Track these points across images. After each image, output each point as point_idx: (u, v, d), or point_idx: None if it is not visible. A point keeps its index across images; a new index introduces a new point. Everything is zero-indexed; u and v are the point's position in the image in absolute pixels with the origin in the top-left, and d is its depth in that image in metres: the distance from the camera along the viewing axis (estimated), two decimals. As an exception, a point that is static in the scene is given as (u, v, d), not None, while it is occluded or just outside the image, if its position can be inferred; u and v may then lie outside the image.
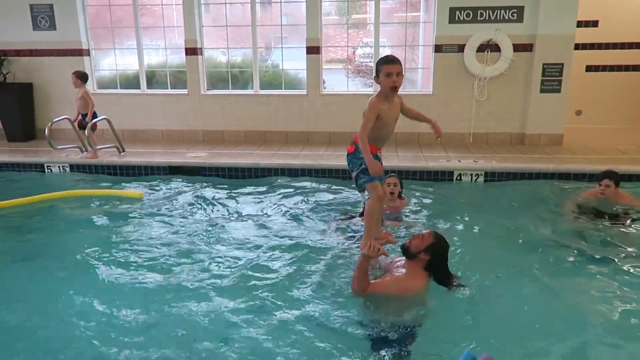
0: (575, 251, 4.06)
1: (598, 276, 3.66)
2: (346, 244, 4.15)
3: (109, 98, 8.19)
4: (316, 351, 2.81)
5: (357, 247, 3.93)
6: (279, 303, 3.29)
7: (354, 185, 3.93)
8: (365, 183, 3.70)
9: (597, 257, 3.92)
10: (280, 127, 8.07)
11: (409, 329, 2.90)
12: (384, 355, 2.71)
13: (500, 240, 4.37)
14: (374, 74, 3.65)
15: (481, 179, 6.16)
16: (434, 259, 3.16)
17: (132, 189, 6.00)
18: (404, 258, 3.30)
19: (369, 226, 3.78)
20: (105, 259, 4.04)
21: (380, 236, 3.79)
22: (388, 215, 4.66)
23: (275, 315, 3.16)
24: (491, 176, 6.16)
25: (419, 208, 5.10)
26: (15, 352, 2.87)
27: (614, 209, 4.91)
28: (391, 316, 2.98)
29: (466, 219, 4.81)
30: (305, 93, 7.98)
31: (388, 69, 3.46)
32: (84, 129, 6.83)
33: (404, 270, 3.26)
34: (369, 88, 8.66)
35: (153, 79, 8.64)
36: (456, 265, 3.56)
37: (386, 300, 3.11)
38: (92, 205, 5.53)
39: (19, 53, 8.23)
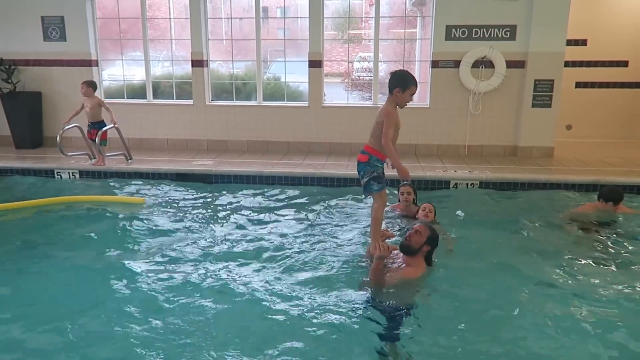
0: (573, 257, 4.27)
1: (593, 281, 3.83)
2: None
3: (116, 107, 8.33)
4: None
5: (362, 256, 4.15)
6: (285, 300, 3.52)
7: (364, 194, 4.11)
8: (376, 191, 3.91)
9: (593, 264, 4.14)
10: (282, 138, 8.34)
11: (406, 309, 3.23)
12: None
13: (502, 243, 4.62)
14: (395, 88, 3.79)
15: (476, 187, 6.45)
16: (432, 248, 3.51)
17: (134, 196, 6.21)
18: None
19: (376, 230, 4.00)
20: (109, 259, 4.26)
21: (381, 234, 4.05)
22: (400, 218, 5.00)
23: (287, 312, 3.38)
24: (486, 185, 6.45)
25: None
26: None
27: (611, 219, 5.11)
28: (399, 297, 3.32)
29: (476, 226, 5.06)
30: (307, 105, 8.27)
31: (414, 90, 3.80)
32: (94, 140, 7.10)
33: (400, 261, 3.55)
34: (367, 101, 8.97)
35: (158, 89, 8.91)
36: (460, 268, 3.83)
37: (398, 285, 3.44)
38: (96, 210, 5.65)
39: (29, 63, 8.48)
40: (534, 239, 4.73)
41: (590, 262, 4.18)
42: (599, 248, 4.50)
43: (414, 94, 3.81)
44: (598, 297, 3.56)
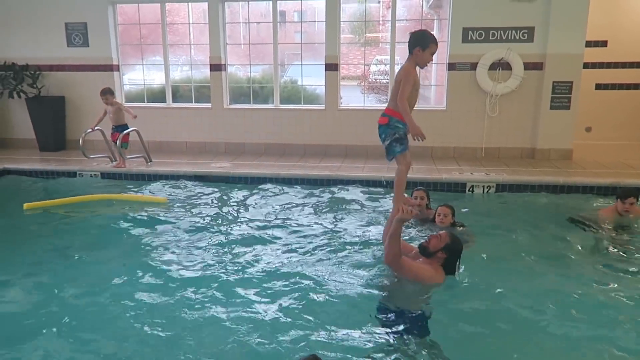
0: (597, 264, 4.22)
1: (611, 289, 3.77)
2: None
3: (136, 111, 8.53)
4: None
5: (386, 218, 4.12)
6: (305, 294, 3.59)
7: (388, 158, 4.02)
8: (399, 153, 3.86)
9: (614, 271, 4.08)
10: (298, 140, 8.42)
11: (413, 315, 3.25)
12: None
13: (520, 250, 4.55)
14: (415, 47, 3.74)
15: (493, 190, 6.42)
16: (449, 258, 3.45)
17: (157, 195, 6.39)
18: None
19: (399, 193, 3.95)
20: (131, 257, 4.42)
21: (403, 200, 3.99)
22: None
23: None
24: (502, 188, 6.42)
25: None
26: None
27: (635, 225, 5.02)
28: (406, 299, 3.34)
29: (497, 230, 5.04)
30: (324, 108, 8.33)
31: (434, 49, 3.77)
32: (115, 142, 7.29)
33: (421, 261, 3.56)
34: (383, 104, 8.98)
35: (177, 93, 9.08)
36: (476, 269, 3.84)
37: (406, 282, 3.45)
38: (120, 209, 5.88)
39: (52, 68, 8.71)
40: (553, 244, 4.68)
41: (614, 268, 4.13)
42: (619, 252, 4.45)
43: (434, 52, 3.76)
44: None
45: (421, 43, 3.74)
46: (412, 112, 3.84)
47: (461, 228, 4.78)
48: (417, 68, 3.85)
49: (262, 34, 9.20)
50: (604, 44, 8.86)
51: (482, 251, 4.34)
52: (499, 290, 3.69)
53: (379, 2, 12.25)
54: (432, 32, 3.91)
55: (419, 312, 3.31)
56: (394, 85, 3.86)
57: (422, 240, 3.73)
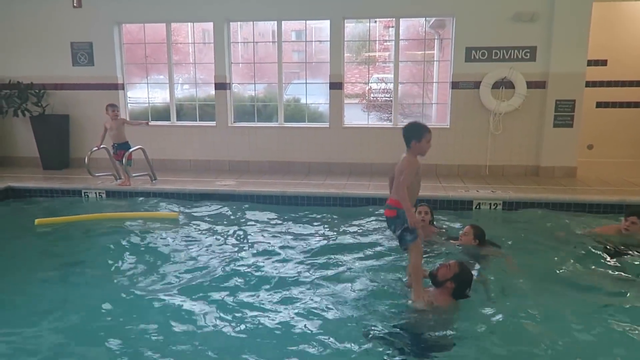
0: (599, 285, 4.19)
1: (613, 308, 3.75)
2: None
3: (141, 129, 8.61)
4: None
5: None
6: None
7: (401, 247, 3.98)
8: (411, 241, 3.78)
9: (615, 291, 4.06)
10: (303, 159, 8.43)
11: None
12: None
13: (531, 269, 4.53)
14: (411, 141, 3.74)
15: (500, 208, 6.43)
16: (458, 287, 3.50)
17: (167, 211, 6.41)
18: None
19: (418, 280, 3.82)
20: (140, 273, 4.45)
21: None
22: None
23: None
24: (509, 206, 6.42)
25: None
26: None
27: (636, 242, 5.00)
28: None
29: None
30: (328, 126, 8.37)
31: (429, 137, 3.76)
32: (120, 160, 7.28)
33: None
34: (387, 122, 9.05)
35: (181, 111, 9.11)
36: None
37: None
38: (132, 225, 5.87)
39: (57, 87, 8.74)
40: (565, 263, 4.65)
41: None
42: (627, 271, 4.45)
43: (430, 140, 3.75)
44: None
45: (415, 135, 3.73)
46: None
47: (493, 248, 4.74)
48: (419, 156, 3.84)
49: (260, 54, 9.27)
50: (604, 62, 8.99)
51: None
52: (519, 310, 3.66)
53: (375, 22, 12.45)
54: (422, 123, 3.89)
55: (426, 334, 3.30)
56: (396, 176, 3.81)
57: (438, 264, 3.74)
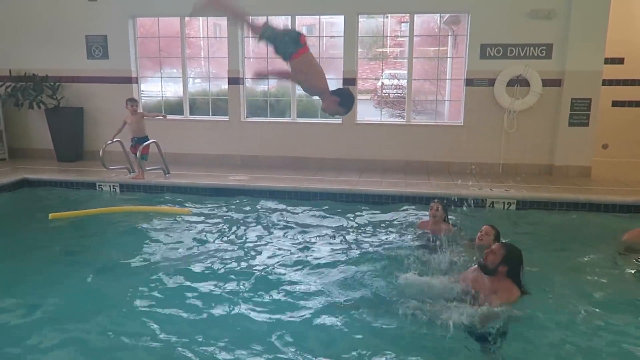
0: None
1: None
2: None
3: (154, 122, 8.65)
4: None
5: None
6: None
7: None
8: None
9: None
10: (315, 154, 8.43)
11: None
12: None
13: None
14: (334, 97, 3.76)
15: (513, 207, 6.39)
16: (511, 267, 3.50)
17: (180, 207, 6.42)
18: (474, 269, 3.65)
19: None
20: (155, 266, 4.48)
21: None
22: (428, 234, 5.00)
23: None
24: (523, 205, 6.38)
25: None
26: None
27: None
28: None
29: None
30: (341, 122, 8.36)
31: (341, 111, 3.79)
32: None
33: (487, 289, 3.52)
34: (397, 118, 9.01)
35: (194, 105, 9.14)
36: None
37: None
38: (143, 220, 5.91)
39: (72, 80, 8.80)
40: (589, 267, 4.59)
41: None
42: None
43: (337, 111, 3.79)
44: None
45: (345, 102, 3.74)
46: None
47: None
48: None
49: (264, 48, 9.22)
50: (620, 61, 8.85)
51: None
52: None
53: (387, 17, 12.41)
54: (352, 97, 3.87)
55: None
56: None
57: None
